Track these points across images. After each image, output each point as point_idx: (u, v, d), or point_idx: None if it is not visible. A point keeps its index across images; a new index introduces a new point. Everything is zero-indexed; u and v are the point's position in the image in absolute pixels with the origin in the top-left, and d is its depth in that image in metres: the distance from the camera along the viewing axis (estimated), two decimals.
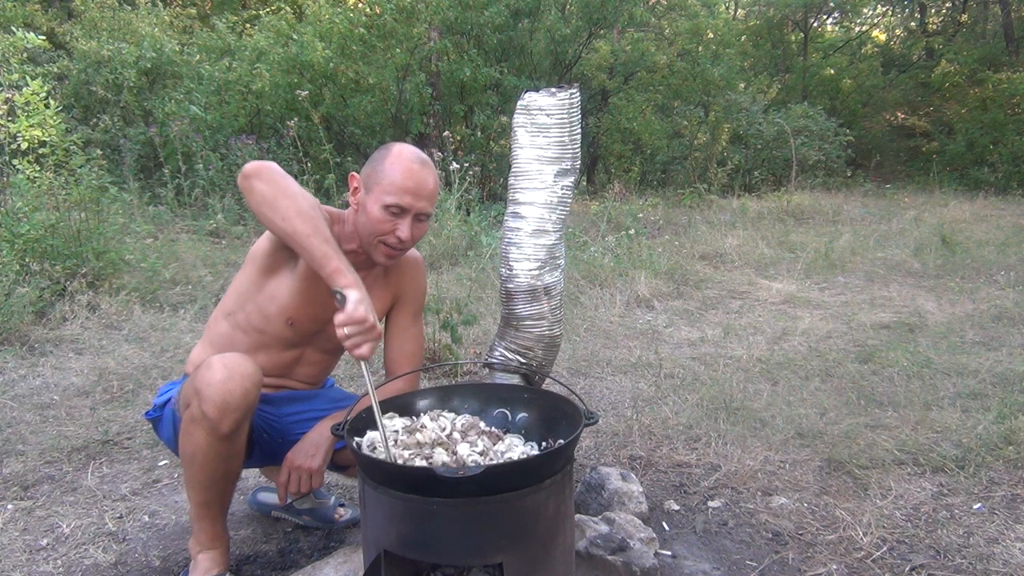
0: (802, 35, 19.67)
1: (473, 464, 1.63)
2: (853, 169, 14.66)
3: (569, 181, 2.29)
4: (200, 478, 1.85)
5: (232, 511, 2.54)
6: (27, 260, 5.08)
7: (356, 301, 1.65)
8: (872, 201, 11.86)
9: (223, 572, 1.95)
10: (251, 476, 2.79)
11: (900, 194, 12.73)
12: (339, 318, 1.64)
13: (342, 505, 2.51)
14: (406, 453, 1.68)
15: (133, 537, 2.42)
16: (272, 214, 1.75)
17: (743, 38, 18.58)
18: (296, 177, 8.64)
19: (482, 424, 1.83)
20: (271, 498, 2.53)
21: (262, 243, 2.02)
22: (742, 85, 15.55)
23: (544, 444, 1.79)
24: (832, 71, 18.91)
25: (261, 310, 2.00)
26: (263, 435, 2.04)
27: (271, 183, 1.77)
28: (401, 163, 1.91)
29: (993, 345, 4.34)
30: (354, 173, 2.01)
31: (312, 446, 1.97)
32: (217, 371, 1.75)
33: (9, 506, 2.61)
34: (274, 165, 1.82)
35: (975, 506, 2.52)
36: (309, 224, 1.73)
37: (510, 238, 2.31)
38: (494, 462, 1.66)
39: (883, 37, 22.59)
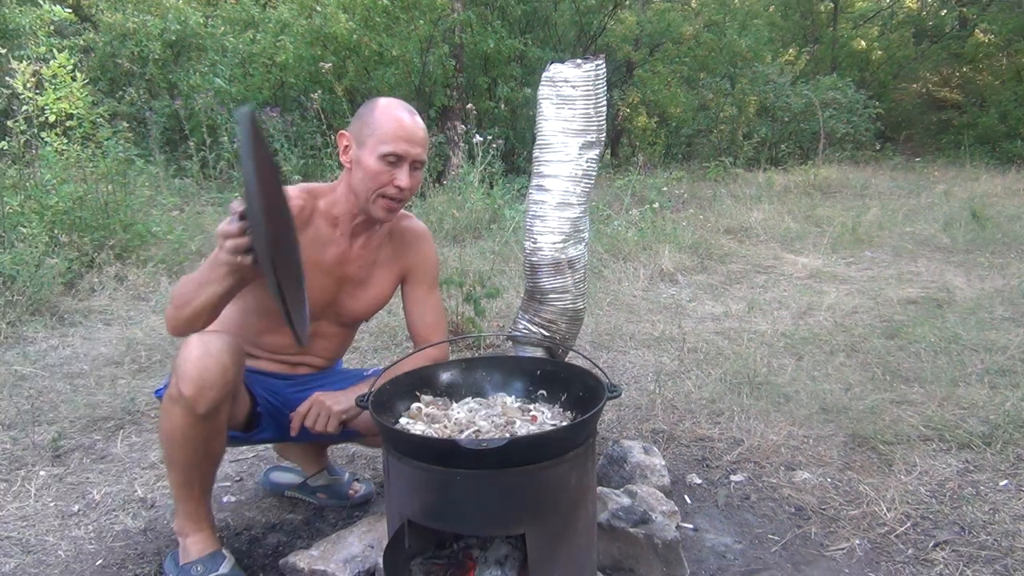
0: (832, 4, 19.28)
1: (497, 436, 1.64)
2: (882, 142, 14.41)
3: (594, 154, 2.28)
4: (179, 459, 1.81)
5: (256, 481, 2.58)
6: (56, 232, 5.15)
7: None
8: (901, 175, 11.67)
9: (218, 549, 1.92)
10: (265, 458, 2.83)
11: (930, 168, 12.51)
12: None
13: (357, 480, 2.51)
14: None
15: (162, 504, 2.46)
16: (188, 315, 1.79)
17: (771, 8, 18.23)
18: (320, 151, 8.65)
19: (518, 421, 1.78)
20: (284, 477, 2.53)
21: None
22: (769, 56, 15.28)
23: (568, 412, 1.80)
24: (863, 42, 18.52)
25: (264, 290, 2.00)
26: (270, 406, 2.03)
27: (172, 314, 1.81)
28: (391, 113, 1.93)
29: (1023, 321, 4.28)
30: (343, 132, 2.00)
31: (343, 394, 1.95)
32: (193, 348, 1.72)
33: (42, 472, 2.67)
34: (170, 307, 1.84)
35: (1001, 483, 2.50)
36: (193, 288, 1.78)
37: (535, 211, 2.30)
38: (518, 434, 1.66)
39: (915, 5, 22.07)
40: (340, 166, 2.03)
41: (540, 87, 2.27)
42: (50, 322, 4.36)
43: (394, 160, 1.90)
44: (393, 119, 1.91)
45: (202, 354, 1.71)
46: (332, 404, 1.92)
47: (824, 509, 2.38)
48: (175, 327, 1.81)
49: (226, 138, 8.20)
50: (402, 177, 1.91)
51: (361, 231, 2.07)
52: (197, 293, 1.75)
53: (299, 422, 1.93)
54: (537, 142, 2.31)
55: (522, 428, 1.69)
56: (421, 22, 9.82)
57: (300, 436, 2.00)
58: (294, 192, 1.98)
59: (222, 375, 1.72)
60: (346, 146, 1.98)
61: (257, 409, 2.00)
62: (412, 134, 1.92)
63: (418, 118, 1.97)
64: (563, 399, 1.85)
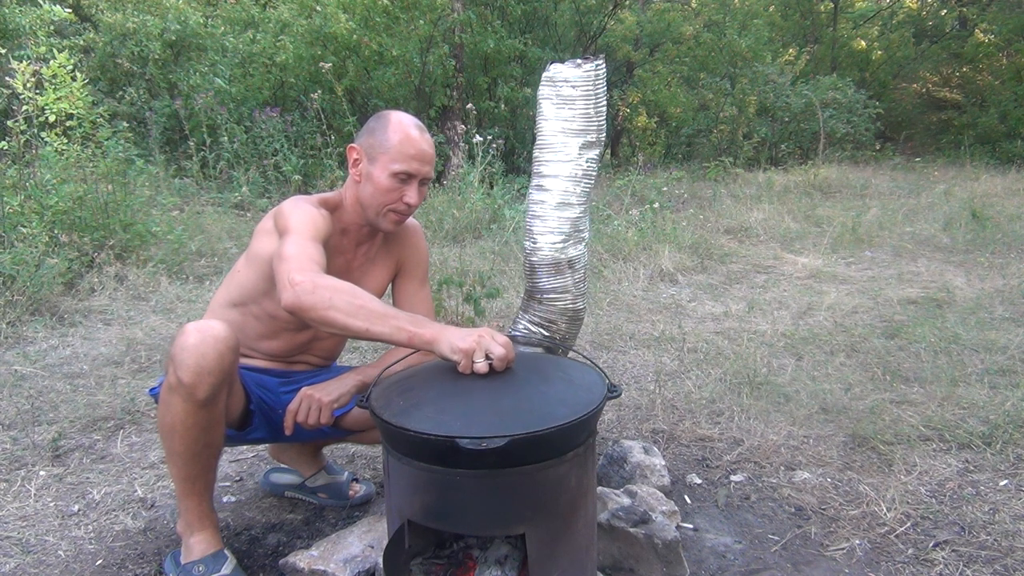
0: (832, 4, 19.28)
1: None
2: (882, 142, 14.42)
3: (594, 154, 2.28)
4: (181, 450, 1.81)
5: (255, 481, 2.58)
6: (56, 231, 5.15)
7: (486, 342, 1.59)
8: (901, 175, 11.67)
9: (220, 549, 1.93)
10: (265, 459, 2.83)
11: (930, 168, 12.50)
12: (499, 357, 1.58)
13: (356, 480, 2.51)
14: None
15: (162, 504, 2.46)
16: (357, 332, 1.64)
17: (771, 8, 18.23)
18: (319, 150, 8.65)
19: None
20: (284, 478, 2.53)
21: (264, 248, 1.98)
22: (769, 56, 15.28)
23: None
24: (863, 42, 18.52)
25: (274, 302, 1.99)
26: (263, 404, 2.03)
27: (336, 309, 1.62)
28: (403, 131, 1.96)
29: (1023, 321, 4.28)
30: (352, 145, 2.03)
31: (333, 384, 1.97)
32: (190, 335, 1.73)
33: (41, 472, 2.67)
34: (321, 285, 1.66)
35: (1001, 483, 2.50)
36: (388, 322, 1.62)
37: (534, 211, 2.30)
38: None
39: (915, 5, 22.08)
40: (340, 166, 2.04)
41: (540, 87, 2.27)
42: (50, 322, 4.36)
43: (405, 178, 1.96)
44: (405, 137, 1.95)
45: (198, 341, 1.72)
46: (322, 396, 1.93)
47: (824, 509, 2.38)
48: (312, 307, 1.63)
49: (225, 138, 8.20)
50: (411, 194, 1.98)
51: (365, 239, 2.14)
52: (369, 321, 1.61)
53: (292, 419, 1.94)
54: (537, 142, 2.31)
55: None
56: (421, 22, 9.82)
57: (294, 435, 2.01)
58: (317, 209, 1.98)
59: (219, 361, 1.73)
60: (356, 159, 2.01)
61: (250, 407, 2.01)
62: (423, 153, 1.97)
63: (427, 135, 2.01)
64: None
